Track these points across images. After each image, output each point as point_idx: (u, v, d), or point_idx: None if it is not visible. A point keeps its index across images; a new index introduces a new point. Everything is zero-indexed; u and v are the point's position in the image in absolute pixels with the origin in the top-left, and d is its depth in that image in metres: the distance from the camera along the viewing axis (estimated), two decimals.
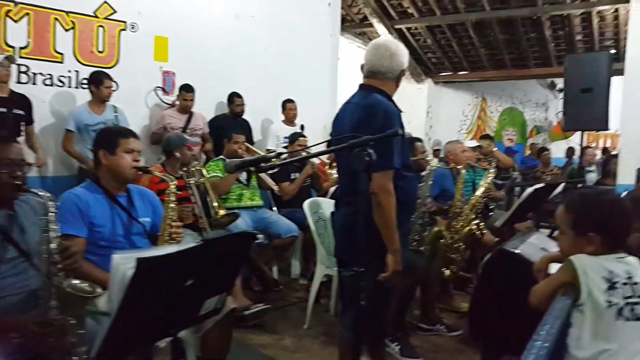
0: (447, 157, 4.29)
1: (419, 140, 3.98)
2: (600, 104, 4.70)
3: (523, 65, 8.83)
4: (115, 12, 4.41)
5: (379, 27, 8.35)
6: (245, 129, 4.78)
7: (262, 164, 1.53)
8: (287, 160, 2.59)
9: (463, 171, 3.84)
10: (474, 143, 5.68)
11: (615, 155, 6.53)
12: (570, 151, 8.87)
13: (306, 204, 3.34)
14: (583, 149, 7.71)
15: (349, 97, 2.16)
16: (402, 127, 2.00)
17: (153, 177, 2.77)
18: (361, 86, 2.13)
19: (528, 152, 9.76)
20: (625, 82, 5.74)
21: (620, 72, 5.75)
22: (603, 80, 4.72)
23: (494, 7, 7.79)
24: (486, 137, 6.63)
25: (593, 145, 9.60)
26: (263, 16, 5.34)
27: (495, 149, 6.01)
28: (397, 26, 8.51)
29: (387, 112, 1.96)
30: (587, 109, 4.75)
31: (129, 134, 2.16)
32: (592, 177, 6.76)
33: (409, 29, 8.74)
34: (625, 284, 1.45)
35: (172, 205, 2.07)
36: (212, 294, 1.46)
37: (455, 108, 10.05)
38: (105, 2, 4.35)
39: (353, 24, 8.78)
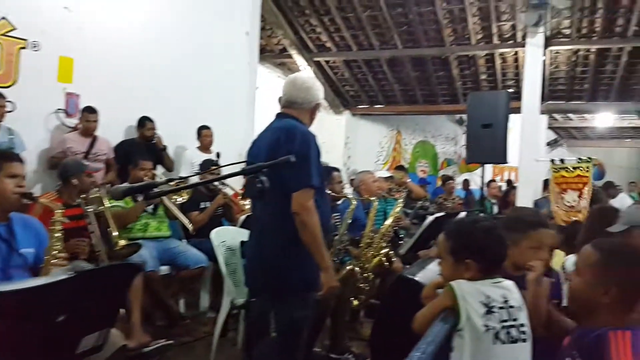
0: (359, 188, 4.40)
1: (337, 169, 4.05)
2: (499, 139, 5.06)
3: (433, 101, 9.39)
4: (15, 29, 4.15)
5: (298, 59, 8.55)
6: (154, 154, 4.63)
7: (152, 191, 1.48)
8: (182, 187, 2.52)
9: (375, 202, 3.92)
10: (387, 174, 5.90)
11: (515, 187, 7.06)
12: (465, 183, 9.47)
13: (213, 233, 3.27)
14: (489, 182, 8.28)
15: (268, 124, 2.21)
16: (318, 150, 2.05)
17: (46, 206, 2.59)
18: (278, 115, 2.20)
19: (439, 183, 10.30)
20: (522, 119, 6.28)
21: (519, 109, 6.29)
22: (502, 116, 5.10)
23: (406, 46, 8.26)
24: (400, 168, 6.93)
25: (498, 178, 10.35)
26: (178, 41, 5.27)
27: (408, 180, 6.27)
28: (315, 59, 8.76)
29: (304, 134, 2.03)
30: (487, 143, 5.09)
31: (13, 157, 2.02)
32: (494, 209, 7.25)
33: (327, 62, 9.02)
34: (501, 307, 1.54)
35: (57, 235, 1.94)
36: (91, 330, 1.37)
37: (372, 139, 10.41)
38: (4, 19, 4.10)
39: (272, 54, 8.92)
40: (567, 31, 7.42)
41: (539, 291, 1.74)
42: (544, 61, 7.59)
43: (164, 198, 3.49)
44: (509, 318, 1.53)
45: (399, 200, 4.52)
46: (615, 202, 6.03)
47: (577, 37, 7.49)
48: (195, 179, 3.81)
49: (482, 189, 5.81)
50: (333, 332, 3.31)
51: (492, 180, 8.48)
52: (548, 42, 7.31)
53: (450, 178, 8.05)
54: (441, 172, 10.75)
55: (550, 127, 11.80)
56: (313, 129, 2.18)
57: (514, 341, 1.51)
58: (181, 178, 3.71)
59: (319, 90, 2.21)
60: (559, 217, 5.14)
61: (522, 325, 1.54)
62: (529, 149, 6.15)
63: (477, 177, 9.32)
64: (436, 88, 9.09)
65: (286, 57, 8.82)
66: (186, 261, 3.66)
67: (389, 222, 3.97)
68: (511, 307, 1.54)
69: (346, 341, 3.34)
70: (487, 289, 1.55)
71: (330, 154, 9.06)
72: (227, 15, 5.83)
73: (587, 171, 5.32)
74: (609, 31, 7.24)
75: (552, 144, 12.81)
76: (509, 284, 1.59)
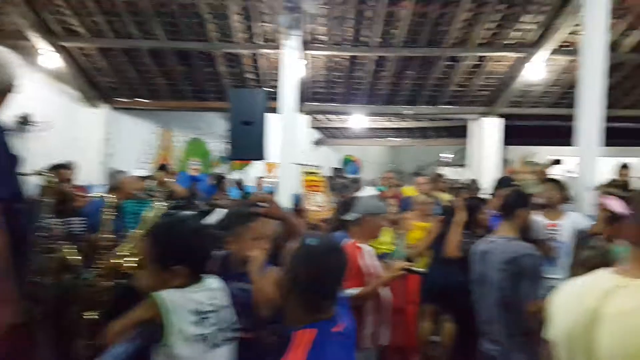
0: (114, 188, 4.01)
1: (65, 166, 3.53)
2: (258, 136, 5.17)
3: (202, 97, 9.23)
4: None
5: (39, 42, 7.41)
6: None
7: None
8: None
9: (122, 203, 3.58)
10: (145, 173, 5.53)
11: None
12: (238, 181, 9.63)
13: None
14: (259, 179, 8.49)
15: None
16: (4, 150, 1.64)
17: None
18: None
19: (212, 181, 10.18)
20: (281, 118, 6.57)
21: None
22: (260, 114, 5.21)
23: (170, 38, 7.90)
24: (162, 167, 6.59)
25: (271, 174, 10.74)
26: None
27: (171, 179, 5.99)
28: (62, 44, 7.73)
29: None
30: (247, 141, 5.16)
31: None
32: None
33: (79, 48, 8.06)
34: (211, 311, 1.45)
35: None
36: None
37: (137, 136, 9.73)
38: None
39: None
40: (324, 37, 8.07)
41: (261, 280, 1.71)
42: (306, 64, 8.13)
43: None
44: (219, 321, 1.44)
45: (158, 202, 4.23)
46: (361, 194, 6.72)
47: (332, 44, 8.20)
48: None
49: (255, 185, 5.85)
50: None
51: (263, 177, 8.75)
52: (306, 46, 7.83)
53: (223, 177, 8.00)
54: (214, 170, 10.67)
55: (315, 127, 12.75)
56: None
57: (225, 343, 1.43)
58: None
59: (10, 69, 1.82)
60: (310, 217, 5.51)
61: (232, 323, 1.48)
62: (289, 146, 6.47)
63: (253, 175, 9.57)
64: (204, 84, 8.94)
65: (23, 39, 7.56)
66: None
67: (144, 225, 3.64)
68: (219, 307, 1.46)
69: None
70: (198, 295, 1.44)
71: (87, 151, 8.16)
72: None
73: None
74: (357, 40, 8.11)
75: (318, 143, 13.87)
76: (213, 282, 1.51)
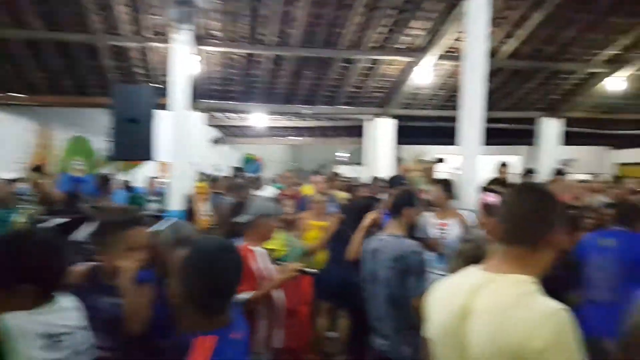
0: None
1: None
2: (145, 135, 4.87)
3: (84, 93, 8.57)
4: None
5: None
6: None
7: None
8: None
9: None
10: (15, 175, 5.00)
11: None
12: (125, 182, 9.10)
13: None
14: (151, 179, 8.04)
15: None
16: None
17: None
18: None
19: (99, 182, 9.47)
20: (172, 115, 6.26)
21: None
22: (147, 111, 4.91)
23: (49, 28, 7.23)
24: (36, 169, 6.01)
25: (165, 174, 10.22)
26: None
27: (44, 181, 5.46)
28: None
29: None
30: (133, 139, 4.84)
31: None
32: (154, 206, 7.08)
33: None
34: (65, 333, 1.30)
35: None
36: None
37: (12, 135, 8.79)
38: None
39: None
40: (218, 33, 7.85)
41: (132, 293, 1.57)
42: (200, 60, 7.85)
43: None
44: (76, 342, 1.29)
45: (27, 207, 3.83)
46: (261, 193, 6.61)
47: (227, 40, 8.00)
48: None
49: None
50: None
51: (156, 177, 8.30)
52: (200, 41, 7.56)
53: (108, 178, 7.46)
54: (100, 170, 9.93)
55: (214, 125, 12.42)
56: None
57: None
58: None
59: None
60: (200, 224, 5.35)
61: (91, 345, 1.33)
62: (182, 145, 6.20)
63: (146, 175, 9.01)
64: (86, 78, 8.30)
65: None
66: None
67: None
68: (74, 329, 1.30)
69: None
70: (48, 317, 1.27)
71: None
72: None
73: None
74: (253, 38, 7.99)
75: (217, 141, 13.53)
76: (67, 301, 1.35)
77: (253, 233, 3.17)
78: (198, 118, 9.24)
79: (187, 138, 6.23)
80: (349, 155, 8.86)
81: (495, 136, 11.63)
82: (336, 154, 8.72)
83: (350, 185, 7.84)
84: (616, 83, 9.34)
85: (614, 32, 8.14)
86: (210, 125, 11.86)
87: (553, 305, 1.32)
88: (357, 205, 4.56)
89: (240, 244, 3.05)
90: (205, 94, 8.94)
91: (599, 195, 6.85)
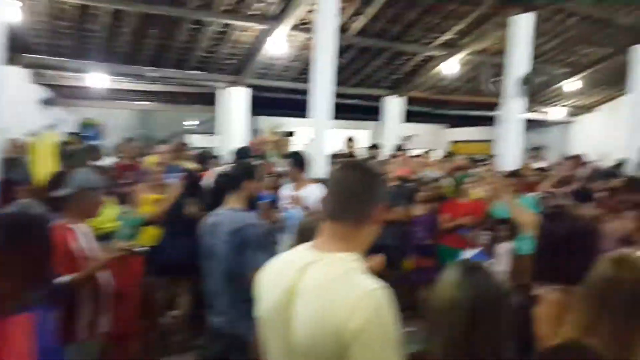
0: None
1: None
2: None
3: None
4: None
5: None
6: None
7: None
8: None
9: None
10: None
11: None
12: None
13: None
14: None
15: None
16: None
17: None
18: None
19: None
20: None
21: None
22: None
23: None
24: None
25: None
26: None
27: None
28: None
29: None
30: None
31: None
32: None
33: None
34: None
35: None
36: None
37: None
38: None
39: None
40: None
41: None
42: (21, 6, 6.82)
43: None
44: None
45: None
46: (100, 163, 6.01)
47: None
48: None
49: None
50: None
51: None
52: None
53: None
54: None
55: (43, 84, 11.00)
56: None
57: None
58: None
59: None
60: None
61: None
62: None
63: None
64: None
65: None
66: None
67: None
68: None
69: None
70: None
71: None
72: None
73: None
74: None
75: (47, 103, 12.04)
76: None
77: (75, 208, 2.87)
78: (20, 74, 8.11)
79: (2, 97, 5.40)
80: (197, 123, 8.50)
81: (346, 111, 12.17)
82: (184, 122, 8.27)
83: (202, 157, 7.58)
84: (450, 66, 10.28)
85: (449, 17, 8.87)
86: (40, 85, 10.49)
87: (370, 284, 1.33)
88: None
89: (59, 220, 2.75)
90: (28, 47, 7.84)
91: (432, 169, 7.53)
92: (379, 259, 2.57)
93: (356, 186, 1.46)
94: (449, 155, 10.05)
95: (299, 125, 8.19)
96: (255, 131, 12.09)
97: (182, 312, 4.39)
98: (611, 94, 13.53)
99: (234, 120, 9.80)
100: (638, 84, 9.69)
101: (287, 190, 4.49)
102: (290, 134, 6.75)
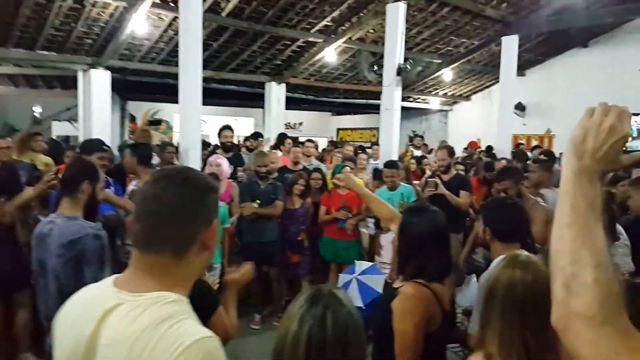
0: None
1: None
2: None
3: None
4: None
5: None
6: None
7: None
8: None
9: None
10: None
11: None
12: None
13: None
14: None
15: None
16: None
17: None
18: None
19: None
20: None
21: None
22: None
23: None
24: None
25: None
26: None
27: None
28: None
29: None
30: None
31: None
32: None
33: None
34: None
35: None
36: None
37: None
38: None
39: None
40: None
41: None
42: None
43: None
44: None
45: None
46: None
47: None
48: None
49: None
50: None
51: None
52: None
53: None
54: None
55: None
56: None
57: None
58: None
59: None
60: None
61: None
62: None
63: None
64: None
65: None
66: None
67: None
68: None
69: None
70: None
71: None
72: None
73: None
74: None
75: None
76: None
77: None
78: None
79: None
80: (40, 110, 7.53)
81: (227, 97, 11.71)
82: (33, 109, 7.28)
83: (55, 148, 6.80)
84: (329, 53, 10.28)
85: (325, 2, 8.77)
86: None
87: (193, 333, 1.06)
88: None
89: None
90: None
91: (314, 159, 7.46)
92: (247, 269, 2.34)
93: (175, 204, 1.15)
94: (333, 143, 10.12)
95: (173, 111, 7.64)
96: (132, 117, 11.19)
97: (20, 331, 3.82)
98: (484, 82, 14.57)
99: (95, 106, 8.89)
100: (508, 73, 10.48)
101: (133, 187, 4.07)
102: (158, 122, 6.21)
